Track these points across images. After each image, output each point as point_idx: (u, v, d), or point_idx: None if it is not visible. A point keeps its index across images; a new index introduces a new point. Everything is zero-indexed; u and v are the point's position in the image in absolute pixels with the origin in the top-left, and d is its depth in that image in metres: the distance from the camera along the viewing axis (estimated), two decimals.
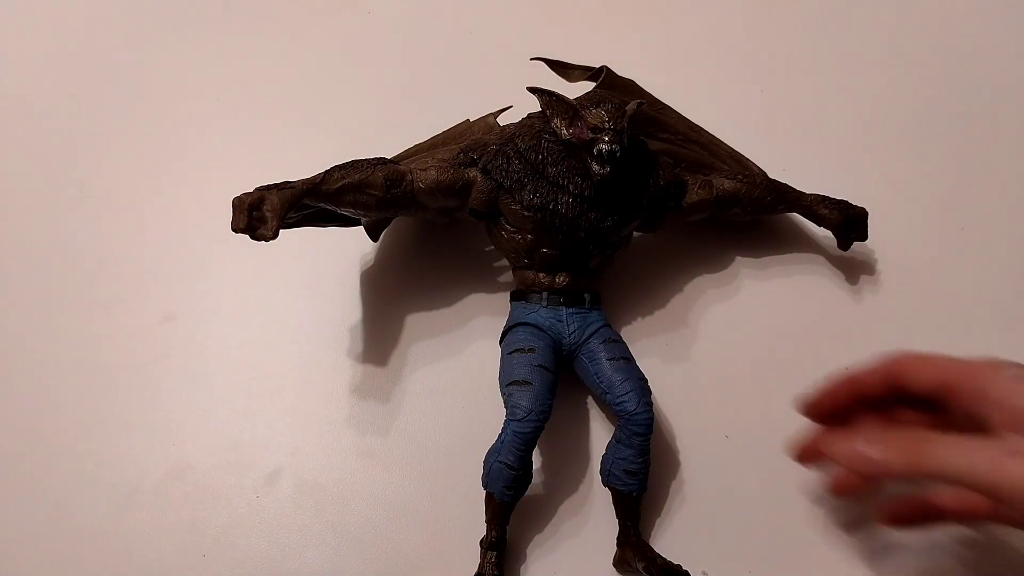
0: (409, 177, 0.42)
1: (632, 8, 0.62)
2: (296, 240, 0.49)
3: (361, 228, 0.47)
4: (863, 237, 0.49)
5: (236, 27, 0.61)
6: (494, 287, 0.49)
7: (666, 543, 0.43)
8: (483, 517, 0.41)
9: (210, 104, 0.57)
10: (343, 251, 0.50)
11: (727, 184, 0.47)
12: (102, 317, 0.49)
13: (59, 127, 0.56)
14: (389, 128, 0.51)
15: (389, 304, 0.49)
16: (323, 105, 0.57)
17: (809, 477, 0.44)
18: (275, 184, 0.38)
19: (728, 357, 0.48)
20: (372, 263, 0.50)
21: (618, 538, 0.42)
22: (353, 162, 0.41)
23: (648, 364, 0.44)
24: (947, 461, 0.32)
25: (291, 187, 0.38)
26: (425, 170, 0.42)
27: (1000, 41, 0.60)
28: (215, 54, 0.59)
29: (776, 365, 0.47)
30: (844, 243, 0.49)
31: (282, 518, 0.44)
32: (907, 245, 0.52)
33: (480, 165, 0.43)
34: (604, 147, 0.39)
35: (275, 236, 0.37)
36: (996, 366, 0.34)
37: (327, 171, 0.40)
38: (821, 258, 0.51)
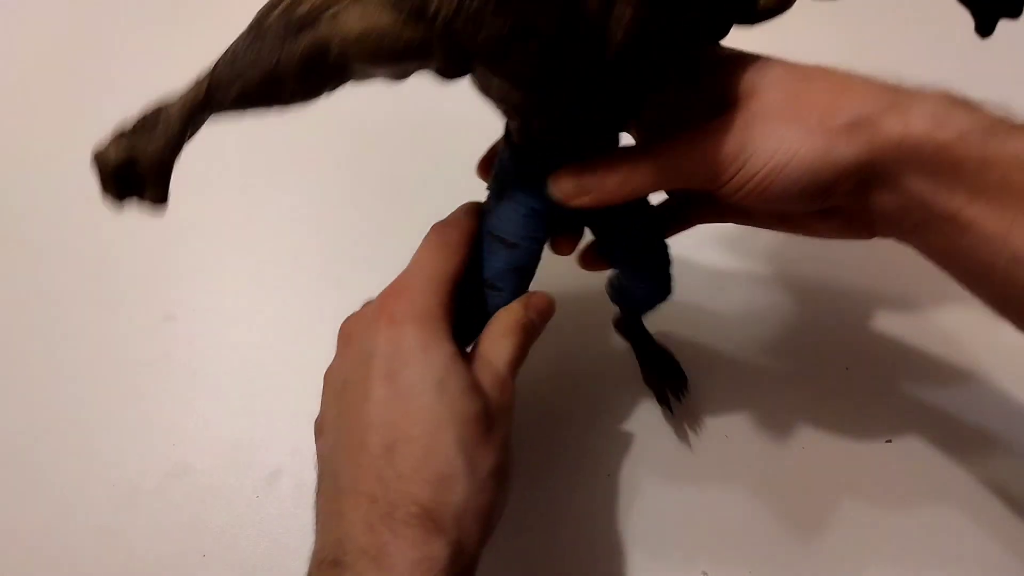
0: (334, 49, 0.27)
1: None
2: (296, 240, 0.49)
3: (360, 231, 0.47)
4: (1017, 11, 0.37)
5: (236, 27, 0.60)
6: None
7: (666, 542, 0.43)
8: None
9: None
10: (343, 251, 0.50)
11: None
12: (102, 317, 0.49)
13: (59, 126, 0.56)
14: (387, 132, 0.51)
15: None
16: (323, 104, 0.56)
17: (809, 477, 0.44)
18: (141, 118, 0.27)
19: (728, 357, 0.48)
20: (371, 263, 0.50)
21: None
22: (248, 43, 0.29)
23: None
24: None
25: (167, 119, 0.27)
26: (353, 30, 0.27)
27: (1002, 39, 0.60)
28: (214, 53, 0.59)
29: (777, 366, 0.47)
30: (986, 24, 0.38)
31: (282, 518, 0.44)
32: None
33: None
34: None
35: (164, 201, 0.28)
36: None
37: (212, 72, 0.28)
38: (830, 245, 0.51)
